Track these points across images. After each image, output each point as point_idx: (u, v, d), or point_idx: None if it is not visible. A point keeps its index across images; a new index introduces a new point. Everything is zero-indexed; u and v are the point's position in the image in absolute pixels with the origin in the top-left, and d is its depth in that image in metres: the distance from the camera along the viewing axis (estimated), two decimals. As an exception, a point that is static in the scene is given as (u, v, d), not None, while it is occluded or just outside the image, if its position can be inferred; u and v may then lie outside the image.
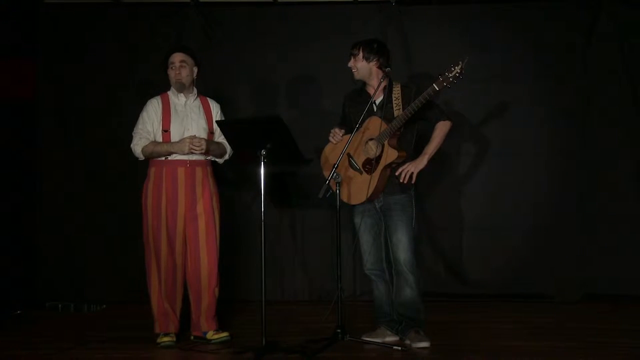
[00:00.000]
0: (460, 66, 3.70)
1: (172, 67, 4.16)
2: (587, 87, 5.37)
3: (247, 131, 3.90)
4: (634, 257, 5.30)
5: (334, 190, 3.98)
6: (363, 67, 4.02)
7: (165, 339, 4.08)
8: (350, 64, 4.06)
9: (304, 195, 5.38)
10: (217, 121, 4.14)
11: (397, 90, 3.99)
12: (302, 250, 5.52)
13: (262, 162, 3.79)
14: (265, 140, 3.78)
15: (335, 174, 3.91)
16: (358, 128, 3.94)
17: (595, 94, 5.37)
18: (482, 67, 5.25)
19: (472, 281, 5.44)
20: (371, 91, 4.04)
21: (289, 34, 5.54)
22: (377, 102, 4.05)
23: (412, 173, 3.93)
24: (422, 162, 3.95)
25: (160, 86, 4.34)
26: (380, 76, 3.98)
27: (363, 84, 4.13)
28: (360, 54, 4.01)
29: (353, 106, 4.12)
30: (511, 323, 4.62)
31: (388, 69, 3.97)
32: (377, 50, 4.01)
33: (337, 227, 4.04)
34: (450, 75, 3.72)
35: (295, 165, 5.07)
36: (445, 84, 3.74)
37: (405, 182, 3.95)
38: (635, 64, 5.34)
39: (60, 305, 5.23)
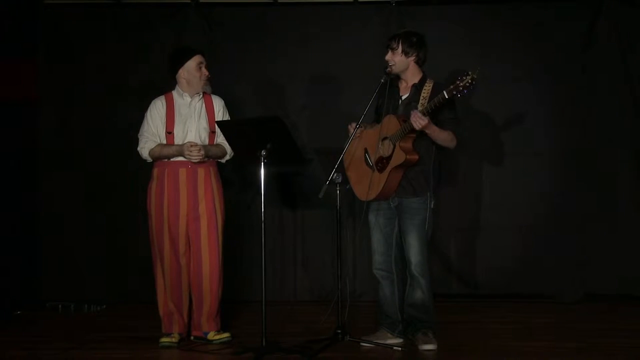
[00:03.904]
0: (470, 76, 3.54)
1: (200, 67, 4.15)
2: (587, 87, 5.36)
3: (247, 131, 3.88)
4: (634, 257, 5.29)
5: (337, 190, 3.97)
6: (401, 62, 3.87)
7: (165, 339, 4.07)
8: (388, 57, 3.89)
9: (305, 195, 5.38)
10: (217, 122, 4.14)
11: (427, 89, 3.83)
12: (302, 250, 5.52)
13: (262, 162, 3.78)
14: (265, 140, 3.77)
15: (335, 175, 3.88)
16: (378, 123, 3.88)
17: (595, 94, 5.36)
18: (482, 67, 5.20)
19: (472, 281, 5.43)
20: (403, 86, 3.94)
21: (289, 34, 5.53)
22: (404, 97, 3.94)
23: (420, 120, 3.61)
24: (429, 124, 3.65)
25: (160, 86, 4.34)
26: (415, 72, 3.88)
27: (397, 77, 3.97)
28: (400, 48, 3.86)
29: (380, 99, 3.98)
30: (511, 323, 4.63)
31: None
32: (416, 44, 3.88)
33: (337, 227, 4.04)
34: (461, 84, 3.56)
35: (296, 165, 5.06)
36: (454, 92, 3.57)
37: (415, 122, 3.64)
38: (635, 64, 5.34)
39: (60, 306, 5.22)
